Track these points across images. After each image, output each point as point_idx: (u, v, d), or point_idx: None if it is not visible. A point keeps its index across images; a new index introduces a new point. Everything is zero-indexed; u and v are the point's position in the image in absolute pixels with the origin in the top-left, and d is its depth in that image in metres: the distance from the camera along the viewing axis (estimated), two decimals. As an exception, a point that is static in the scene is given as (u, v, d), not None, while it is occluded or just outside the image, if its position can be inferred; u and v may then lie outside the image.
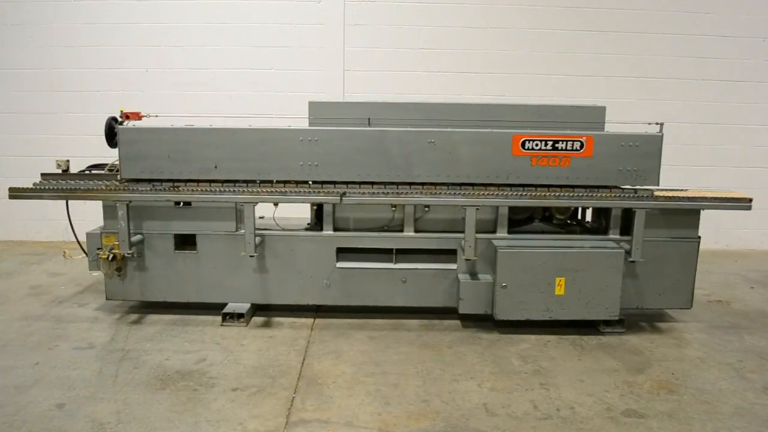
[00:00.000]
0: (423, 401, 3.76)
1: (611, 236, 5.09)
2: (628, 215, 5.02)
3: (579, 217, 5.71)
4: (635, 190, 5.05)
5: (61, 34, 8.03)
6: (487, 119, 5.18)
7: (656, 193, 4.94)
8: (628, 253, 4.91)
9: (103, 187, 4.96)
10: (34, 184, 5.03)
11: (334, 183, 5.02)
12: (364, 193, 4.92)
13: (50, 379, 4.00)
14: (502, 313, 4.83)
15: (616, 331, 4.96)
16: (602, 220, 5.29)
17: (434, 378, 4.11)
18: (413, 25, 8.08)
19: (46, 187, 4.99)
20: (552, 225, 5.35)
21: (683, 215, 5.04)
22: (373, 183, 5.01)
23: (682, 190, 5.40)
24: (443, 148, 4.95)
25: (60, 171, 5.30)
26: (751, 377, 4.21)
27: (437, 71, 8.16)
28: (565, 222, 5.43)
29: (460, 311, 4.98)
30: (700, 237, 5.08)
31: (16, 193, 4.97)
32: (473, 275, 5.07)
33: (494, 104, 5.45)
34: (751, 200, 4.99)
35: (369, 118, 5.16)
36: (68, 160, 5.38)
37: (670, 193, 5.00)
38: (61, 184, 5.04)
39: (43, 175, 5.25)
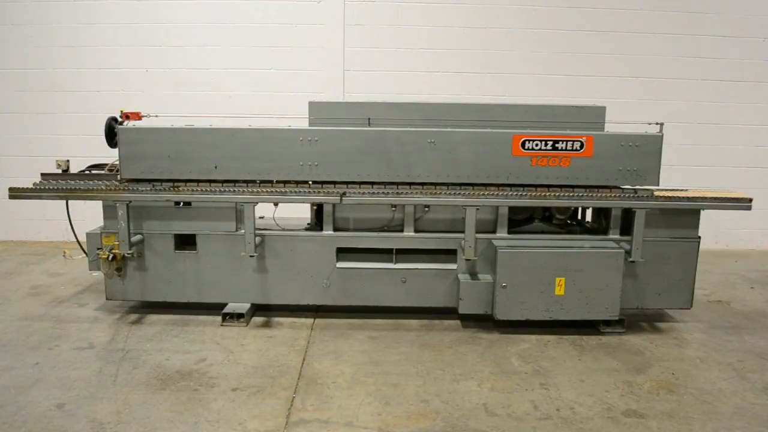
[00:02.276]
0: (423, 401, 3.77)
1: (611, 236, 5.09)
2: (628, 215, 5.02)
3: (579, 217, 5.70)
4: (635, 190, 5.04)
5: (61, 34, 8.03)
6: (487, 119, 5.17)
7: (656, 193, 4.94)
8: (628, 253, 4.90)
9: (103, 187, 4.95)
10: (34, 184, 5.03)
11: (334, 183, 5.02)
12: (364, 193, 4.92)
13: (50, 379, 4.00)
14: (502, 313, 4.83)
15: (616, 331, 4.96)
16: (602, 220, 5.29)
17: (434, 378, 4.11)
18: (413, 25, 8.07)
19: (46, 187, 4.99)
20: (552, 225, 5.34)
21: (683, 215, 5.04)
22: (373, 183, 5.01)
23: (682, 190, 5.40)
24: (443, 148, 4.95)
25: (60, 171, 5.29)
26: (752, 377, 4.22)
27: (437, 71, 8.16)
28: (565, 222, 5.42)
29: (460, 311, 4.98)
30: (700, 237, 5.08)
31: (16, 193, 4.97)
32: (473, 275, 5.07)
33: (494, 104, 5.44)
34: (751, 200, 4.99)
35: (369, 118, 5.15)
36: (68, 160, 5.38)
37: (670, 193, 5.00)
38: (61, 184, 5.04)
39: (43, 175, 5.25)
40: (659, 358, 4.53)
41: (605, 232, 5.15)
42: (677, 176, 6.96)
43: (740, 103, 8.33)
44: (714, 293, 6.31)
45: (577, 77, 8.19)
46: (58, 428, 3.39)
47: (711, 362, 4.47)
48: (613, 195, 4.97)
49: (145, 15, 7.98)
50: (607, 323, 4.98)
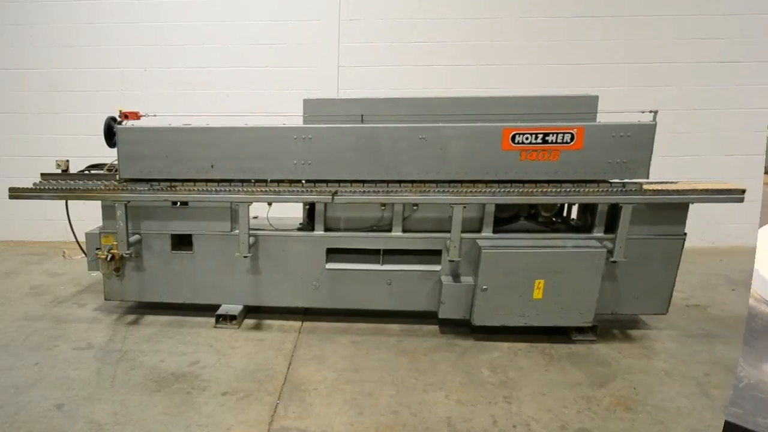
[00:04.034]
0: (393, 412, 3.84)
1: (595, 234, 4.95)
2: (614, 211, 4.86)
3: (565, 214, 5.52)
4: (623, 184, 4.86)
5: (60, 34, 8.04)
6: (480, 113, 5.00)
7: (645, 187, 4.78)
8: (610, 252, 4.78)
9: (102, 187, 5.02)
10: (34, 184, 5.11)
11: (326, 182, 4.98)
12: (355, 191, 4.88)
13: (50, 379, 4.16)
14: (479, 319, 4.81)
15: (588, 339, 4.90)
16: (588, 217, 5.15)
17: (407, 387, 4.18)
18: (408, 19, 7.95)
19: (46, 187, 5.06)
20: (538, 223, 5.21)
21: (671, 210, 4.86)
22: (364, 181, 4.96)
23: (671, 182, 5.20)
24: (434, 143, 4.85)
25: (60, 171, 5.36)
26: (714, 393, 4.11)
27: (431, 65, 8.05)
28: (551, 219, 5.27)
29: (440, 316, 4.97)
30: (685, 234, 4.90)
31: (16, 193, 5.04)
32: (456, 277, 5.01)
33: (486, 97, 5.19)
34: (744, 191, 4.76)
35: (362, 115, 5.07)
36: (68, 160, 5.45)
37: (659, 186, 4.84)
38: (61, 184, 5.11)
39: (43, 175, 5.34)
40: (625, 370, 4.46)
41: (590, 230, 5.01)
42: (668, 166, 6.75)
43: (739, 92, 7.99)
44: (693, 296, 6.13)
45: (574, 65, 7.98)
46: (57, 428, 3.56)
47: (676, 375, 4.37)
48: (599, 190, 4.80)
49: (145, 15, 7.96)
50: (580, 330, 4.92)
